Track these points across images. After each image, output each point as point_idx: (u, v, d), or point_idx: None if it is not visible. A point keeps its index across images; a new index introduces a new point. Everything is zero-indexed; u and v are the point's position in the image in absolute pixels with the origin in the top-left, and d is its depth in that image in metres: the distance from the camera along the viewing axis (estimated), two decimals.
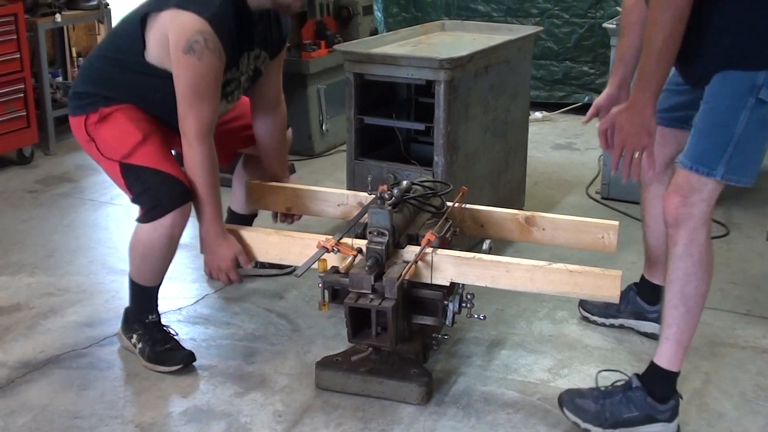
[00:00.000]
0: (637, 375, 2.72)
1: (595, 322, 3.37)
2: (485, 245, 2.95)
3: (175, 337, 3.18)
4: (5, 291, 3.67)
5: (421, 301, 2.83)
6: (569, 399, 2.74)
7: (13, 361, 3.13)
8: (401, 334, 2.81)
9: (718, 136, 2.53)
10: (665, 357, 2.66)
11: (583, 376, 3.03)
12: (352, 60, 3.75)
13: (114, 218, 4.50)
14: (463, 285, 2.87)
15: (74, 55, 6.40)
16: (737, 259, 4.00)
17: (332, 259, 2.85)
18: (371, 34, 5.80)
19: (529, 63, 4.41)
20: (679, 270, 2.59)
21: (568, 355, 3.18)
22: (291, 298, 3.60)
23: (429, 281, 2.84)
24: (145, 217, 2.97)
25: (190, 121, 2.95)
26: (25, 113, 5.30)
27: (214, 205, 3.04)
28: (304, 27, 5.49)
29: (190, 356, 3.09)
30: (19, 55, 5.20)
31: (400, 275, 2.70)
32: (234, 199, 3.71)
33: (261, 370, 3.07)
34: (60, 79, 6.16)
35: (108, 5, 5.97)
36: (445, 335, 2.99)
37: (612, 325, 3.34)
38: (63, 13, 5.60)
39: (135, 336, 3.13)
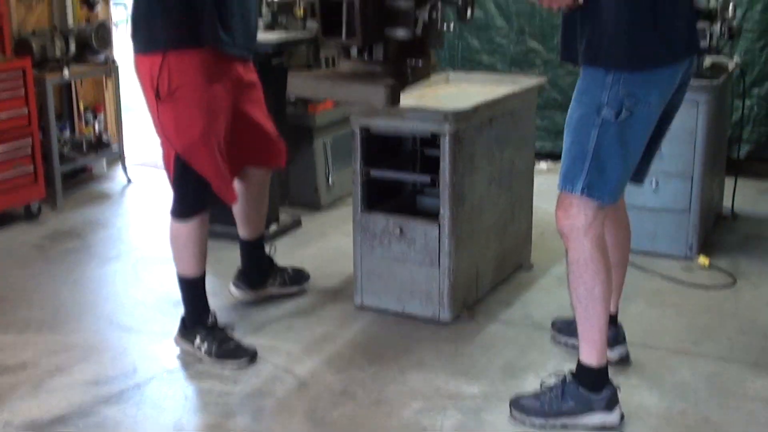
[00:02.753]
0: (571, 371, 2.99)
1: (560, 342, 3.54)
2: None
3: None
4: (12, 349, 3.65)
5: (394, 13, 2.76)
6: (515, 401, 3.04)
7: (18, 421, 3.11)
8: (372, 36, 2.75)
9: (576, 152, 2.78)
10: (583, 354, 2.95)
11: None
12: (358, 113, 3.77)
13: (121, 274, 4.49)
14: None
15: (82, 108, 6.43)
16: (745, 308, 3.97)
17: None
18: None
19: (534, 114, 4.43)
20: (571, 274, 2.89)
21: None
22: (296, 353, 3.58)
23: None
24: (175, 213, 3.39)
25: None
26: (32, 168, 5.31)
27: None
28: None
29: (255, 352, 3.45)
30: (27, 110, 5.22)
31: None
32: (240, 226, 3.88)
33: (268, 428, 3.05)
34: (68, 133, 6.19)
35: (115, 61, 6.03)
36: (419, 61, 2.92)
37: (574, 346, 3.30)
38: (71, 68, 5.64)
39: (198, 337, 3.43)
